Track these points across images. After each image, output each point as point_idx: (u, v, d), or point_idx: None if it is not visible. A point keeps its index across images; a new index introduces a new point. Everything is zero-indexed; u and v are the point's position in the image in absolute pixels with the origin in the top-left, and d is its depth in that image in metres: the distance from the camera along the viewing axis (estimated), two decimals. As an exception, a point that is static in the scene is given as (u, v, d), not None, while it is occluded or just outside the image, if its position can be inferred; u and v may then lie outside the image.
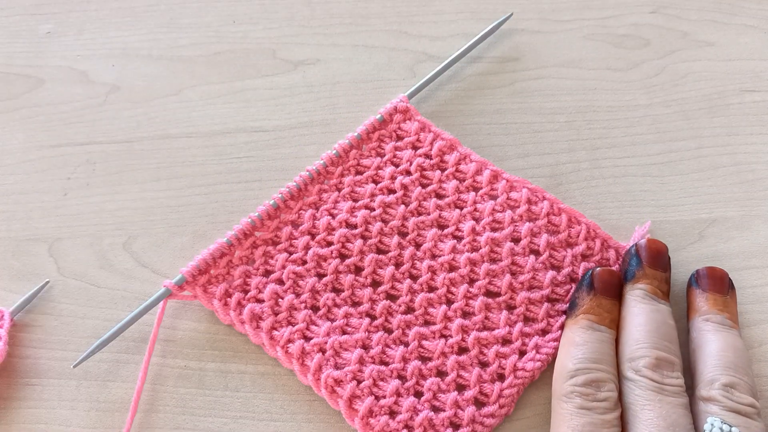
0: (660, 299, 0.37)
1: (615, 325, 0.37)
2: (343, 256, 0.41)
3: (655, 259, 0.38)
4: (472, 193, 0.43)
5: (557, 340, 0.38)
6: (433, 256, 0.41)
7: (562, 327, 0.39)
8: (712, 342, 0.35)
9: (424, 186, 0.43)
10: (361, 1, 0.53)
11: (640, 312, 0.36)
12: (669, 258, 0.39)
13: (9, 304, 0.41)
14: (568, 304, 0.39)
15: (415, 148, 0.44)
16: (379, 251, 0.41)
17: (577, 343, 0.36)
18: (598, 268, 0.38)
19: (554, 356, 0.38)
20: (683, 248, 0.42)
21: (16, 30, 0.53)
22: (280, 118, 0.48)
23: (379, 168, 0.44)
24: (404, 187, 0.43)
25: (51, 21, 0.53)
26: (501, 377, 0.38)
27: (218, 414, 0.38)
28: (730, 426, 0.31)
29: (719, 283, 0.38)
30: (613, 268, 0.40)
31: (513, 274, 0.40)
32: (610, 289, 0.38)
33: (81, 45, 0.52)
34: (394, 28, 0.52)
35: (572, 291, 0.39)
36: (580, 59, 0.50)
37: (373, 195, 0.43)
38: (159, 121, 0.48)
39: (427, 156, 0.44)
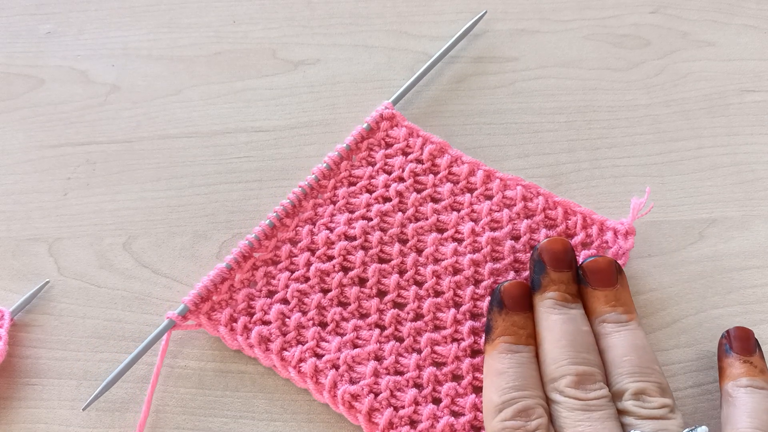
0: (570, 303, 0.36)
1: (533, 339, 0.36)
2: (345, 269, 0.41)
3: (557, 260, 0.37)
4: (468, 195, 0.43)
5: None
6: (436, 261, 0.41)
7: None
8: (613, 347, 0.35)
9: (418, 191, 0.43)
10: (361, 1, 0.53)
11: (553, 325, 0.35)
12: (573, 252, 0.38)
13: (9, 304, 0.41)
14: (484, 330, 0.38)
15: (405, 154, 0.44)
16: (382, 260, 0.41)
17: (499, 371, 0.35)
18: (505, 283, 0.37)
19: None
20: (683, 248, 0.42)
21: (16, 30, 0.53)
22: (280, 118, 0.48)
23: (371, 177, 0.43)
24: (399, 194, 0.43)
25: (51, 21, 0.53)
26: None
27: (218, 414, 0.38)
28: None
29: (605, 276, 0.37)
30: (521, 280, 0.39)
31: (516, 271, 0.40)
32: (521, 303, 0.37)
33: (81, 45, 0.52)
34: (394, 28, 0.52)
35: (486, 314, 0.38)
36: (580, 59, 0.50)
37: (368, 205, 0.42)
38: (159, 121, 0.48)
39: (419, 161, 0.44)
